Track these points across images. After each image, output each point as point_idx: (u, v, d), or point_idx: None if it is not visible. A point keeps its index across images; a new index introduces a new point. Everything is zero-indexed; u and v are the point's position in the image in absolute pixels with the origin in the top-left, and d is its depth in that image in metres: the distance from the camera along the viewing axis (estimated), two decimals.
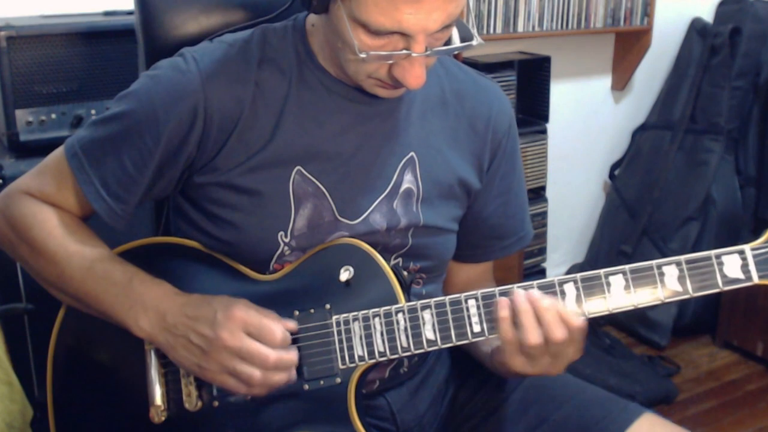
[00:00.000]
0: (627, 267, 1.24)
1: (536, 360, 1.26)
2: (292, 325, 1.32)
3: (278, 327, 1.28)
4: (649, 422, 1.45)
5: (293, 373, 1.30)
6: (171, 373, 1.39)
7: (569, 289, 1.26)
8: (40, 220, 1.40)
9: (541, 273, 3.53)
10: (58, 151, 1.42)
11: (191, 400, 1.38)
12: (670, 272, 1.23)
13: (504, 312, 1.24)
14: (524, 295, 1.24)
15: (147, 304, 1.32)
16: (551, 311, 1.22)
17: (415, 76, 1.26)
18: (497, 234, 1.61)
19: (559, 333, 1.22)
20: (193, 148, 1.36)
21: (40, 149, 2.07)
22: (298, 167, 1.38)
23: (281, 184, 1.38)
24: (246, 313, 1.27)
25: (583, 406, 1.48)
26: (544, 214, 3.48)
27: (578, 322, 1.23)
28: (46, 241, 1.39)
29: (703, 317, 3.53)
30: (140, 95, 1.37)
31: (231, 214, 1.39)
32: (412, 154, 1.44)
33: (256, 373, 1.26)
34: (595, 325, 3.52)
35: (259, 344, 1.26)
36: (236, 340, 1.25)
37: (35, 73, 2.12)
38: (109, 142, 1.37)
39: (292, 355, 1.29)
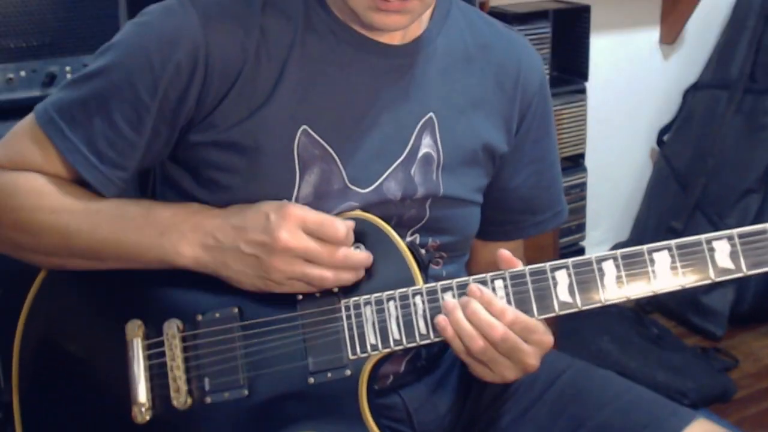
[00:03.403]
0: (673, 243, 1.26)
1: (494, 363, 1.30)
2: (351, 223, 1.34)
3: (341, 223, 1.30)
4: (703, 429, 1.45)
5: (361, 272, 1.34)
6: (157, 366, 1.39)
7: (608, 267, 1.27)
8: (22, 183, 1.39)
9: (580, 252, 3.52)
10: (27, 121, 1.41)
11: (180, 397, 1.37)
12: (722, 248, 1.24)
13: (448, 331, 1.29)
14: (452, 306, 1.29)
15: (180, 227, 1.34)
16: (476, 314, 1.27)
17: None
18: (530, 207, 1.62)
19: (495, 332, 1.26)
20: (192, 102, 1.35)
21: (6, 111, 2.07)
22: (304, 127, 1.38)
23: (285, 145, 1.38)
24: (302, 210, 1.30)
25: (627, 409, 1.48)
26: (582, 186, 3.47)
27: (507, 317, 1.27)
28: (35, 207, 1.38)
29: (764, 304, 3.52)
30: (129, 44, 1.36)
31: (228, 178, 1.38)
32: (430, 114, 1.44)
33: (327, 274, 1.30)
34: (641, 312, 3.54)
35: (322, 244, 1.29)
36: (298, 240, 1.28)
37: (1, 24, 2.11)
38: (94, 100, 1.35)
39: (360, 255, 1.33)
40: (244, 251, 1.29)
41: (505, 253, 1.31)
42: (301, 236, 1.28)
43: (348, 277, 1.32)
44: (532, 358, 1.30)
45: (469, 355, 1.29)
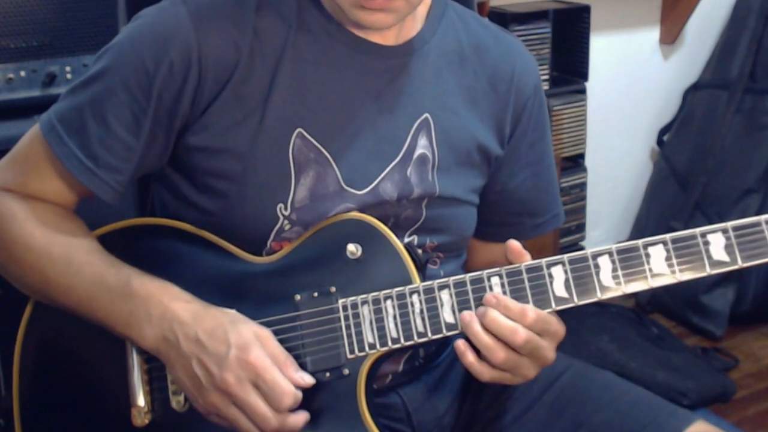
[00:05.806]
0: (668, 236, 1.26)
1: (517, 368, 1.29)
2: (308, 380, 1.30)
3: (290, 392, 1.26)
4: (702, 430, 1.44)
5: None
6: (155, 369, 1.38)
7: (604, 262, 1.28)
8: (20, 219, 1.38)
9: None
10: (33, 130, 1.41)
11: (179, 400, 1.37)
12: (717, 241, 1.25)
13: (468, 357, 1.27)
14: (468, 319, 1.27)
15: (151, 311, 1.30)
16: (496, 322, 1.25)
17: None
18: (528, 210, 1.62)
19: (517, 337, 1.25)
20: (188, 102, 1.35)
21: (7, 111, 2.07)
22: (299, 130, 1.38)
23: (280, 149, 1.37)
24: (263, 361, 1.25)
25: (627, 411, 1.47)
26: (582, 186, 3.47)
27: (529, 317, 1.26)
28: (26, 245, 1.37)
29: (764, 304, 3.51)
30: (123, 47, 1.36)
31: (224, 184, 1.38)
32: (426, 115, 1.44)
33: (252, 429, 1.27)
34: (641, 312, 3.53)
35: (263, 405, 1.25)
36: (241, 390, 1.25)
37: (1, 24, 2.10)
38: (90, 105, 1.35)
39: (298, 420, 1.28)
40: (193, 367, 1.27)
41: (514, 243, 1.30)
42: (246, 388, 1.24)
43: None
44: (550, 351, 1.30)
45: (493, 368, 1.28)
